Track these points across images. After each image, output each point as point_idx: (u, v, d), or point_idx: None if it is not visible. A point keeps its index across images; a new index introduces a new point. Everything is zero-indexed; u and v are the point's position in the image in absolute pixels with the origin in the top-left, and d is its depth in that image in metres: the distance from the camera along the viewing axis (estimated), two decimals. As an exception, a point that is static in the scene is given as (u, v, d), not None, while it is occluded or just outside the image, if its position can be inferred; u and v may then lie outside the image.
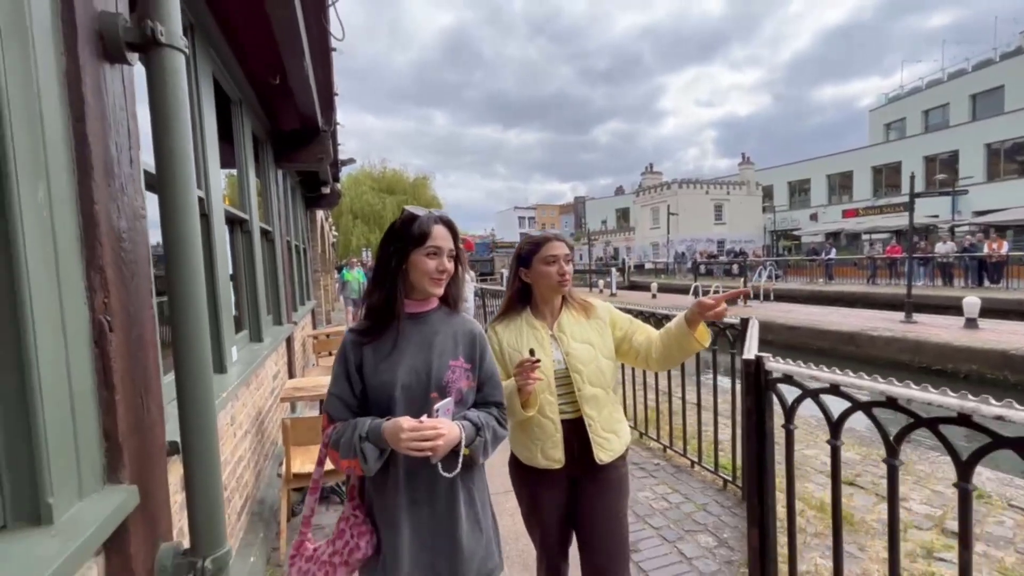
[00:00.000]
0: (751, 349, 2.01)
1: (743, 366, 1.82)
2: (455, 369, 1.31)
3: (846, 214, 32.24)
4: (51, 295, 0.99)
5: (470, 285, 8.00)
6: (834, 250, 23.21)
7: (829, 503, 3.02)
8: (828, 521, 2.80)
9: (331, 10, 2.61)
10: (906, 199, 11.15)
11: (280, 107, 3.84)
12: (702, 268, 22.09)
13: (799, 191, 39.19)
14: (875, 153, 32.56)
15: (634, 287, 26.08)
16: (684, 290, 16.71)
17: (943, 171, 26.27)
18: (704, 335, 1.61)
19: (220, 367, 2.63)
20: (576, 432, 1.63)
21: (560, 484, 1.69)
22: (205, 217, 2.52)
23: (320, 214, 10.65)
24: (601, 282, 23.53)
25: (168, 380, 1.49)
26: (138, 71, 1.33)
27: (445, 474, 1.19)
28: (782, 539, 2.55)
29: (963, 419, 1.14)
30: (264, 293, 3.83)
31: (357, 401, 1.31)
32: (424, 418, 1.18)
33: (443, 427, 1.17)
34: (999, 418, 1.08)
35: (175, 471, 1.64)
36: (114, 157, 1.20)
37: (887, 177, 31.60)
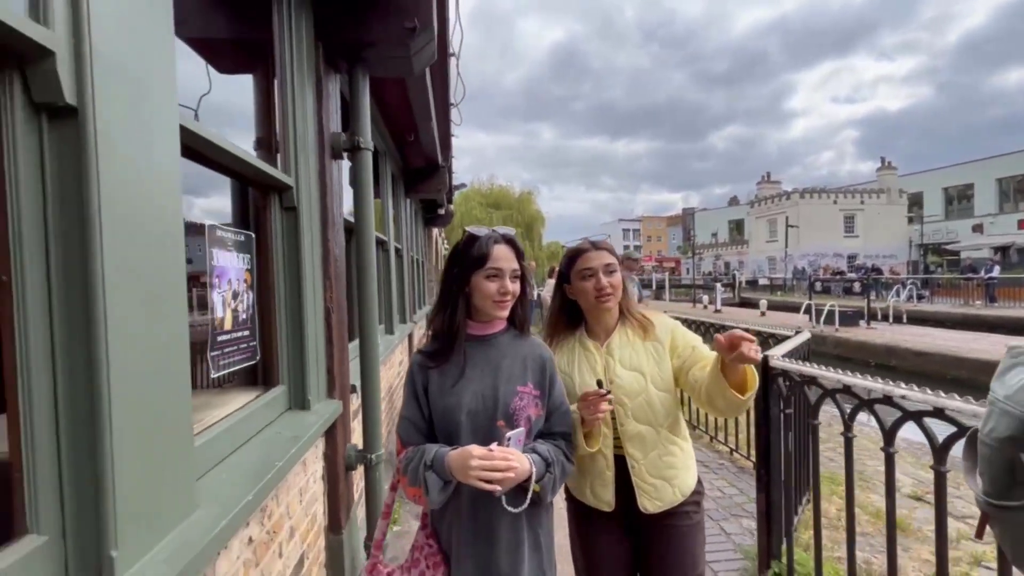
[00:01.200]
0: (776, 351, 2.42)
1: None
2: (523, 396, 1.22)
3: None
4: (311, 292, 1.88)
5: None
6: (997, 267, 19.74)
7: (879, 507, 3.14)
8: (876, 523, 2.98)
9: (453, 109, 3.51)
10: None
11: (410, 153, 4.92)
12: (818, 286, 20.17)
13: (959, 198, 33.67)
14: (1066, 151, 26.93)
15: (744, 304, 24.60)
16: (797, 308, 15.61)
17: None
18: (747, 382, 1.26)
19: (368, 349, 3.63)
20: (627, 471, 1.43)
21: (616, 529, 1.48)
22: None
23: (435, 231, 12.13)
24: (706, 297, 22.63)
25: (352, 345, 2.40)
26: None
27: (510, 508, 1.12)
28: (836, 535, 2.82)
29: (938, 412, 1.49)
30: (395, 297, 4.89)
31: (427, 425, 1.25)
32: (494, 446, 1.10)
33: (514, 458, 1.08)
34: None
35: (353, 405, 2.55)
36: (335, 214, 2.11)
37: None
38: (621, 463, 1.42)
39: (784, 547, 2.14)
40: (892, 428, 1.55)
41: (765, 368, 2.16)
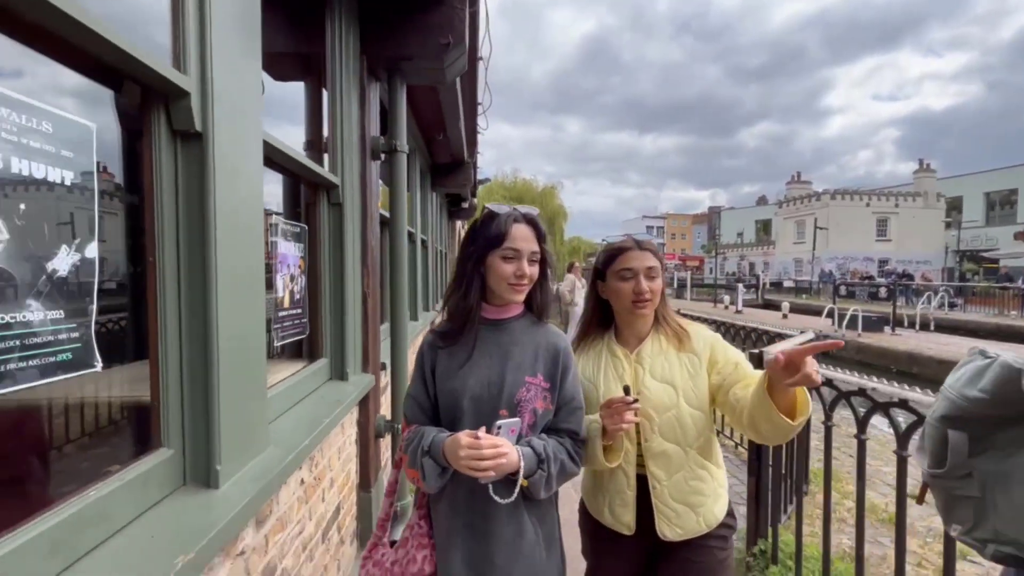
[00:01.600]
0: (772, 349, 2.59)
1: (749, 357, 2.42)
2: (531, 387, 1.16)
3: (1069, 233, 25.87)
4: (351, 279, 2.14)
5: (581, 291, 8.82)
6: (1036, 277, 18.98)
7: (875, 502, 3.27)
8: (869, 516, 3.12)
9: (481, 117, 3.73)
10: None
11: (438, 149, 5.17)
12: (843, 290, 19.75)
13: (1002, 204, 32.33)
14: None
15: (768, 305, 24.24)
16: (820, 312, 15.39)
17: None
18: (801, 405, 1.12)
19: (394, 333, 3.92)
20: (647, 492, 1.31)
21: (632, 555, 1.37)
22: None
23: (458, 224, 12.42)
24: (727, 297, 22.41)
25: (383, 328, 2.67)
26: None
27: (497, 499, 1.07)
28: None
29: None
30: (420, 286, 5.16)
31: (432, 405, 1.21)
32: (482, 431, 1.06)
33: (504, 447, 1.04)
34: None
35: (382, 382, 2.82)
36: (373, 209, 2.36)
37: None
38: (642, 483, 1.31)
39: (772, 529, 2.33)
40: (864, 417, 1.71)
41: (759, 363, 2.33)
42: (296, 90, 2.37)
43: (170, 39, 0.97)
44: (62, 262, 0.76)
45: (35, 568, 0.70)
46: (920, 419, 1.49)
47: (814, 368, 1.02)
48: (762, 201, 50.07)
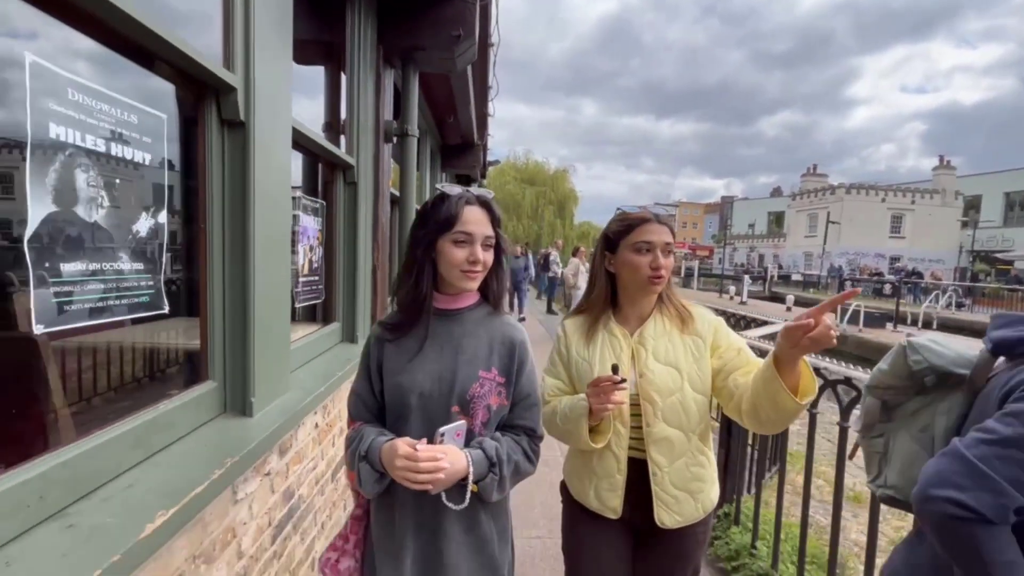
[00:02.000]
0: (754, 332, 2.78)
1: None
2: (484, 382, 1.10)
3: (1088, 237, 25.41)
4: (363, 252, 2.35)
5: (583, 275, 9.00)
6: (1047, 280, 18.80)
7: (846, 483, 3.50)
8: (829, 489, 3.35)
9: (490, 103, 3.88)
10: None
11: (448, 131, 5.32)
12: (847, 285, 19.72)
13: (1021, 205, 31.70)
14: None
15: (774, 298, 24.24)
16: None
17: None
18: (807, 384, 1.09)
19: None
20: (643, 477, 1.27)
21: (618, 538, 1.34)
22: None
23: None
24: (733, 288, 22.43)
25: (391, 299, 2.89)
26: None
27: (450, 505, 1.03)
28: (791, 498, 3.21)
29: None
30: (426, 263, 5.40)
31: (377, 402, 1.14)
32: (422, 443, 0.98)
33: (444, 458, 0.97)
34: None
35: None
36: (384, 188, 2.56)
37: None
38: (634, 467, 1.27)
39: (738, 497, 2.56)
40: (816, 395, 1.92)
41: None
42: (316, 73, 2.54)
43: (221, 43, 1.16)
44: (143, 224, 0.98)
45: (124, 455, 0.94)
46: (859, 394, 1.70)
47: (831, 324, 0.99)
48: (776, 193, 49.47)
